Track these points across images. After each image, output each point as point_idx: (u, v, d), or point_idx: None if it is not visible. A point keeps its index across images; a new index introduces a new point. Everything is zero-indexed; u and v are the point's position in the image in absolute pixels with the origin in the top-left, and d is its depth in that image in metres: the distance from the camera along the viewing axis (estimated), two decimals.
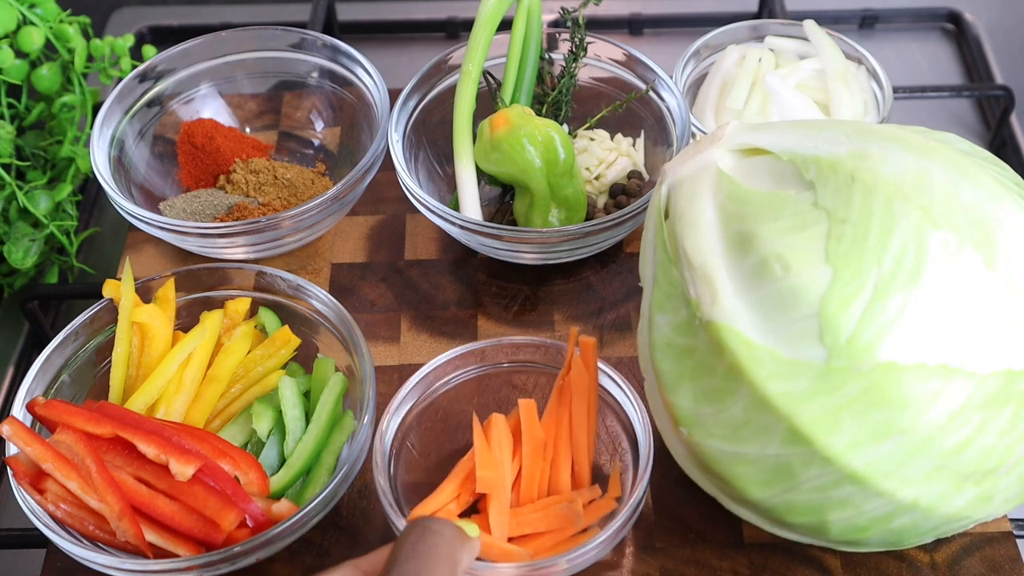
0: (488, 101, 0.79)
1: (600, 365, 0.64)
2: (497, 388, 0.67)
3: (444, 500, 0.62)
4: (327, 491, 0.60)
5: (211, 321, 0.68)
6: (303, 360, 0.70)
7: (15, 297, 0.84)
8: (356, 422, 0.64)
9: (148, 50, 0.88)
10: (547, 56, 0.82)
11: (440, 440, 0.66)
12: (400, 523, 0.59)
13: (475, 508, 0.63)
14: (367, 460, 0.63)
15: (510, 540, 0.61)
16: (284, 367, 0.69)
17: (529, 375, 0.67)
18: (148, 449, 0.58)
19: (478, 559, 0.57)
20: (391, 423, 0.63)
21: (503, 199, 0.80)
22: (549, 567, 0.58)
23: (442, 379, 0.66)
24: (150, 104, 0.84)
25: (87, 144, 0.83)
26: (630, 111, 0.81)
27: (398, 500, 0.62)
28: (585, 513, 0.61)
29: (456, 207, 0.76)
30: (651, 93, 0.80)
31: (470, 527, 0.51)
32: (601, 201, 0.79)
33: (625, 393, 0.63)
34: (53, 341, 0.67)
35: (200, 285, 0.71)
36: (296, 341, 0.69)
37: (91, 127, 0.80)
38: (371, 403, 0.63)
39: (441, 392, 0.67)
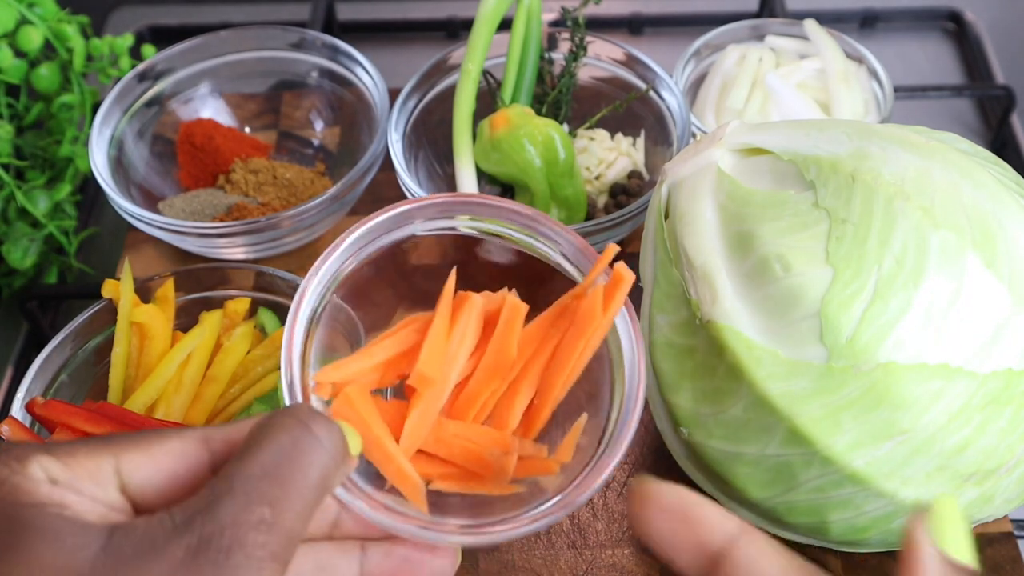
0: (488, 101, 0.79)
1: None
2: (478, 268, 0.54)
3: (363, 369, 0.47)
4: None
5: (210, 321, 0.68)
6: None
7: (14, 297, 0.84)
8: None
9: (147, 49, 0.88)
10: (547, 56, 0.82)
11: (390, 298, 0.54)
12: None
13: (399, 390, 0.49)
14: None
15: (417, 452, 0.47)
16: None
17: (531, 266, 0.53)
18: None
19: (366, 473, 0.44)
20: (306, 300, 0.47)
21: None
22: (436, 529, 0.43)
23: (417, 224, 0.51)
24: (149, 104, 0.84)
25: (86, 144, 0.83)
26: (630, 111, 0.81)
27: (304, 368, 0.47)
28: (520, 469, 0.48)
29: None
30: (651, 93, 0.80)
31: (353, 437, 0.41)
32: (601, 201, 0.79)
33: (631, 339, 0.49)
34: (52, 341, 0.66)
35: (199, 285, 0.71)
36: None
37: (90, 127, 0.80)
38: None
39: (409, 243, 0.52)
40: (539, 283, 0.53)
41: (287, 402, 0.45)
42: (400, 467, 0.45)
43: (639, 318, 0.59)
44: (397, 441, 0.46)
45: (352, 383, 0.46)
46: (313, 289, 0.48)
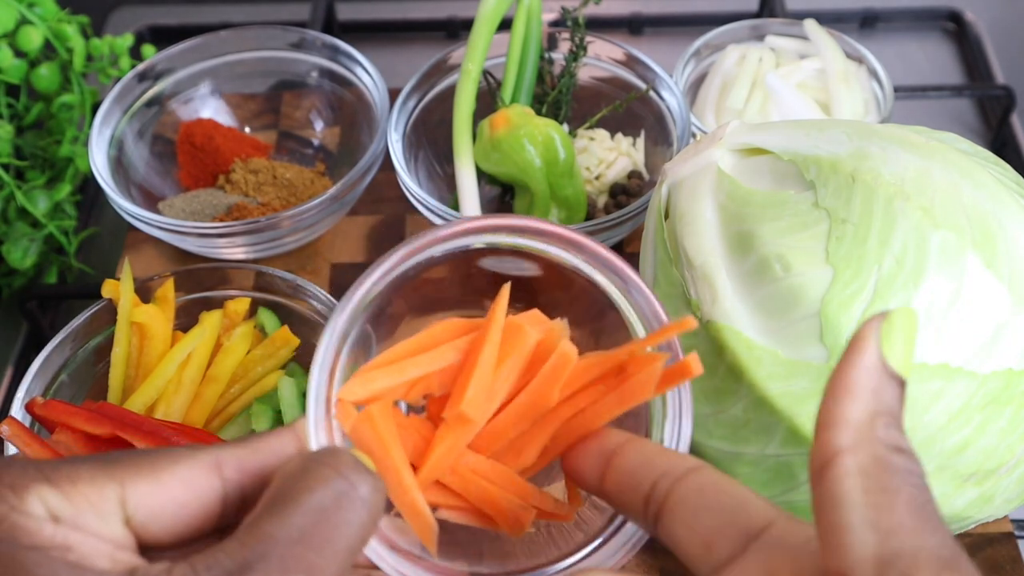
0: (488, 101, 0.79)
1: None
2: (486, 277, 0.50)
3: (393, 386, 0.42)
4: None
5: (210, 321, 0.68)
6: (303, 360, 0.70)
7: (14, 297, 0.84)
8: None
9: (147, 49, 0.88)
10: (547, 56, 0.82)
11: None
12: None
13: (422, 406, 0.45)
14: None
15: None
16: (284, 367, 0.69)
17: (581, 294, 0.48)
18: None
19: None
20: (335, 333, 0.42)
21: (503, 199, 0.80)
22: None
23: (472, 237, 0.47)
24: (149, 104, 0.84)
25: (86, 144, 0.83)
26: (630, 111, 0.81)
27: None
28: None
29: (456, 207, 0.76)
30: (651, 93, 0.80)
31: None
32: (601, 201, 0.79)
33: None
34: (52, 341, 0.66)
35: (199, 285, 0.71)
36: (295, 341, 0.69)
37: (90, 127, 0.80)
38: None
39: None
40: (560, 289, 0.49)
41: (313, 428, 0.40)
42: (415, 503, 0.41)
43: None
44: (413, 466, 0.42)
45: (378, 399, 0.42)
46: (348, 314, 0.44)
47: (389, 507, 0.42)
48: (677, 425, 0.44)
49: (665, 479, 0.39)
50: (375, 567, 0.40)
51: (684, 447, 0.44)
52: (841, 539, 0.32)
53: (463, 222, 0.46)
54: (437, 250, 0.47)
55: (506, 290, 0.44)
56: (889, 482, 0.32)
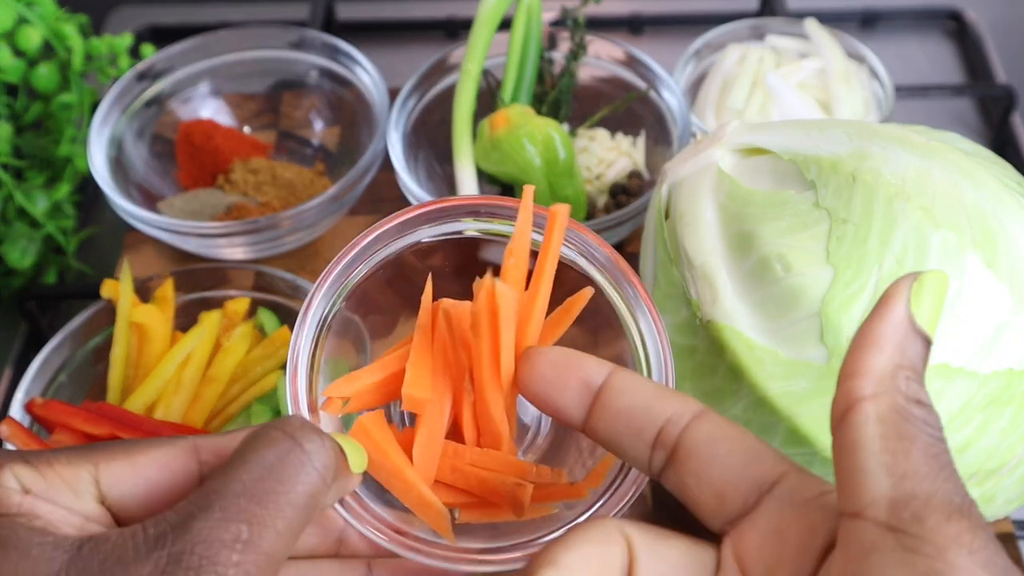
0: (488, 100, 0.79)
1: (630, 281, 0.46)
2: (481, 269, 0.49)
3: (375, 383, 0.44)
4: None
5: (210, 321, 0.68)
6: None
7: (13, 297, 0.84)
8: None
9: (146, 49, 0.88)
10: (547, 55, 0.82)
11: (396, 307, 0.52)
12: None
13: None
14: None
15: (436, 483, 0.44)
16: (283, 367, 0.69)
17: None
18: None
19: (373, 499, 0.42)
20: (322, 295, 0.46)
21: None
22: (457, 559, 0.41)
23: (407, 236, 0.49)
24: (148, 103, 0.84)
25: (85, 143, 0.83)
26: (630, 110, 0.81)
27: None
28: (540, 493, 0.45)
29: None
30: (651, 93, 0.80)
31: (357, 454, 0.39)
32: (601, 201, 0.79)
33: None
34: (51, 341, 0.66)
35: (199, 285, 0.71)
36: None
37: (89, 126, 0.80)
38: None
39: (394, 254, 0.50)
40: (556, 284, 0.47)
41: (291, 407, 0.43)
42: (421, 495, 0.42)
43: None
44: None
45: (366, 408, 0.43)
46: (323, 296, 0.46)
47: (399, 504, 0.43)
48: (662, 368, 0.45)
49: (671, 426, 0.38)
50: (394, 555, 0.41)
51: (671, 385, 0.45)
52: (857, 481, 0.33)
53: (411, 209, 0.47)
54: (423, 235, 0.49)
55: (429, 285, 0.46)
56: (906, 430, 0.33)
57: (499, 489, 0.44)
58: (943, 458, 0.33)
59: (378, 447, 0.42)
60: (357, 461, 0.39)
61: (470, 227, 0.49)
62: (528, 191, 0.45)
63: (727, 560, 0.37)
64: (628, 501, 0.43)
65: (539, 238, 0.46)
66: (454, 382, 0.44)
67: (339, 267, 0.47)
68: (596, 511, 0.43)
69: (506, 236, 0.48)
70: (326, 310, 0.47)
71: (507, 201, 0.48)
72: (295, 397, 0.43)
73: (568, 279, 0.48)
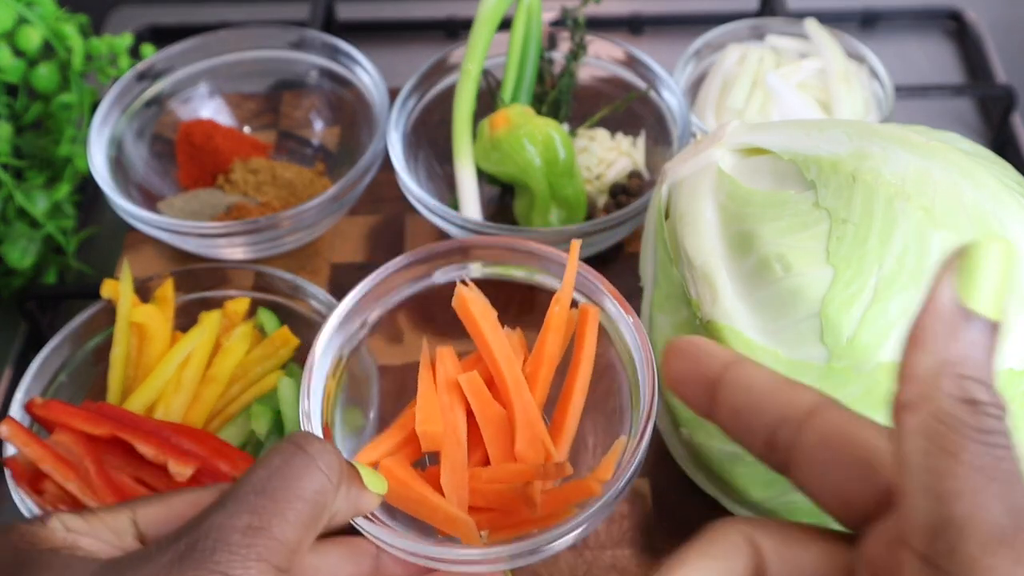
0: (488, 100, 0.79)
1: (615, 302, 0.53)
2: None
3: (383, 451, 0.51)
4: None
5: (210, 321, 0.68)
6: (302, 360, 0.69)
7: (13, 297, 0.84)
8: (365, 420, 0.64)
9: (147, 49, 0.88)
10: (547, 56, 0.82)
11: (401, 359, 0.57)
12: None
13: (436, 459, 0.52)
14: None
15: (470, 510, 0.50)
16: (283, 367, 0.69)
17: (523, 290, 0.56)
18: (146, 450, 0.58)
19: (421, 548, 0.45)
20: (330, 342, 0.51)
21: (503, 199, 0.80)
22: (488, 561, 0.45)
23: (403, 283, 0.55)
24: (148, 103, 0.84)
25: (85, 143, 0.83)
26: (630, 111, 0.81)
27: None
28: (556, 496, 0.50)
29: (456, 207, 0.76)
30: (651, 93, 0.80)
31: (374, 478, 0.42)
32: (601, 201, 0.79)
33: (635, 337, 0.52)
34: (51, 341, 0.66)
35: (199, 285, 0.71)
36: (295, 341, 0.69)
37: (89, 126, 0.80)
38: (375, 402, 0.62)
39: (404, 300, 0.55)
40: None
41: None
42: (448, 512, 0.47)
43: (640, 318, 0.60)
44: None
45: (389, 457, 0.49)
46: (338, 328, 0.52)
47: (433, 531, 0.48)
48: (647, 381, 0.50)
49: (784, 428, 0.34)
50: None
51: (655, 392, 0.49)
52: (902, 505, 0.29)
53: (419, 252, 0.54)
54: (432, 281, 0.55)
55: (425, 347, 0.53)
56: (950, 441, 0.29)
57: (513, 494, 0.48)
58: (997, 468, 0.28)
59: (401, 481, 0.47)
60: (374, 482, 0.42)
61: (480, 271, 0.56)
62: (575, 247, 0.53)
63: (860, 563, 0.33)
64: (625, 479, 0.47)
65: (550, 281, 0.55)
66: (468, 416, 0.50)
67: (353, 304, 0.53)
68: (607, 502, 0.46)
69: (512, 278, 0.56)
70: (341, 342, 0.52)
71: (518, 242, 0.54)
72: (307, 417, 0.48)
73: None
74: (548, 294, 0.54)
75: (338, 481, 0.39)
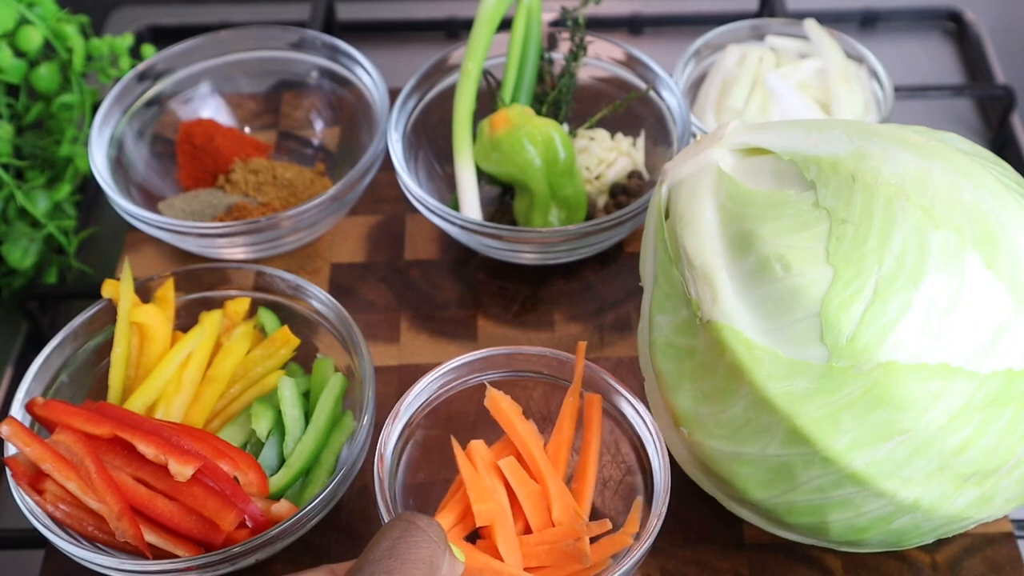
0: (488, 101, 0.79)
1: (619, 388, 0.62)
2: (504, 391, 0.65)
3: (450, 523, 0.61)
4: (326, 492, 0.59)
5: (210, 321, 0.68)
6: (303, 360, 0.70)
7: (14, 297, 0.84)
8: (356, 423, 0.64)
9: (147, 49, 0.88)
10: (547, 56, 0.82)
11: (444, 445, 0.64)
12: None
13: (478, 534, 0.61)
14: (367, 461, 0.62)
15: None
16: (283, 367, 0.69)
17: (537, 384, 0.65)
18: (147, 449, 0.58)
19: None
20: (393, 429, 0.61)
21: (503, 199, 0.80)
22: None
23: (446, 385, 0.64)
24: (149, 104, 0.84)
25: (86, 144, 0.83)
26: (630, 111, 0.81)
27: (400, 506, 0.61)
28: (595, 549, 0.59)
29: (456, 207, 0.76)
30: (651, 93, 0.80)
31: (457, 550, 0.49)
32: (601, 201, 0.79)
33: (644, 422, 0.60)
34: (52, 341, 0.66)
35: (199, 285, 0.71)
36: (295, 341, 0.69)
37: (90, 127, 0.80)
38: (371, 403, 0.63)
39: (445, 397, 0.64)
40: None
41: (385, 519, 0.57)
42: (512, 574, 0.57)
43: (640, 318, 0.60)
44: None
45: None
46: (400, 421, 0.61)
47: None
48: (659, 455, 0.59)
49: None
50: None
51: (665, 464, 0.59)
52: None
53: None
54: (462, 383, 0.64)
55: (460, 453, 0.62)
56: None
57: (565, 551, 0.58)
58: None
59: (469, 552, 0.58)
60: (458, 553, 0.48)
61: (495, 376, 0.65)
62: (581, 348, 0.62)
63: None
64: (654, 530, 0.56)
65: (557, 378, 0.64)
66: (510, 494, 0.61)
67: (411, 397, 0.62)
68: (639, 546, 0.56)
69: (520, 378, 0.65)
70: (401, 429, 0.61)
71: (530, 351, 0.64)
72: (387, 507, 0.57)
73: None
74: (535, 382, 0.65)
75: (444, 548, 0.46)
